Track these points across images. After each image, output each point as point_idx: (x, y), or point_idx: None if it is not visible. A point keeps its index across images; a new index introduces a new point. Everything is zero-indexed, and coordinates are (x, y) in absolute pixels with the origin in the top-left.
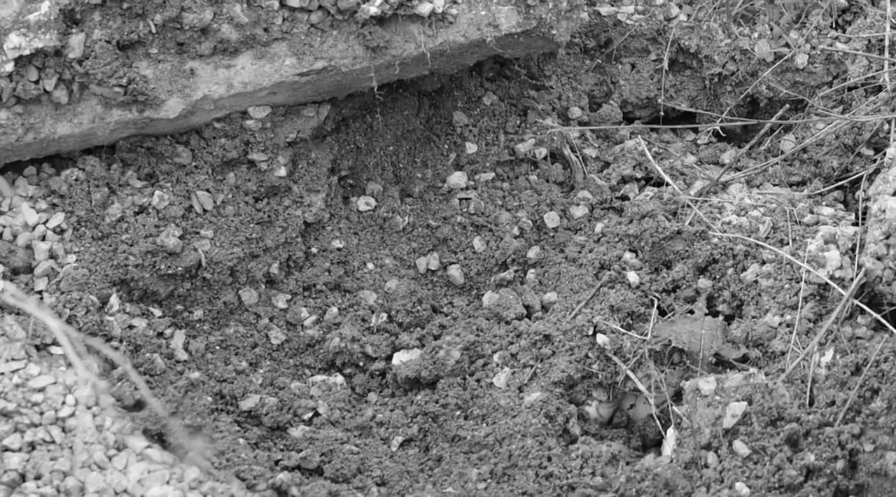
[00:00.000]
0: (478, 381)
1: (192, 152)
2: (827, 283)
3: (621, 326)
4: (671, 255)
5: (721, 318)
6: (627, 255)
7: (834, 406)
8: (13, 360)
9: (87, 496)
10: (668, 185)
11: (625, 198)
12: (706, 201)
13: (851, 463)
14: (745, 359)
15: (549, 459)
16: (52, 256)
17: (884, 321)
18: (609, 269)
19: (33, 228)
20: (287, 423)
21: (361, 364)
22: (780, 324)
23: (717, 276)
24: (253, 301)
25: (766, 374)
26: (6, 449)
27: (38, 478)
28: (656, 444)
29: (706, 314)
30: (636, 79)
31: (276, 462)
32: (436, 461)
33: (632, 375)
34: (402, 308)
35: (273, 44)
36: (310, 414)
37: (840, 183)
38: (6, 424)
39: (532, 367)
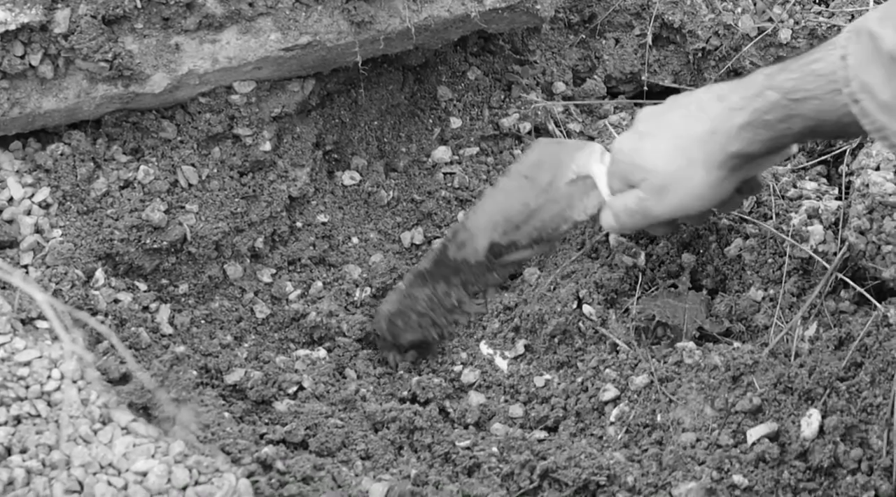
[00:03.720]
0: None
1: (178, 127)
2: (810, 258)
3: (605, 300)
4: None
5: (704, 292)
6: None
7: None
8: None
9: (72, 470)
10: None
11: None
12: None
13: None
14: (728, 333)
15: None
16: (38, 231)
17: (867, 295)
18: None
19: (19, 203)
20: (272, 397)
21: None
22: (764, 298)
23: (701, 251)
24: (238, 275)
25: (750, 349)
26: None
27: (23, 451)
28: None
29: (689, 289)
30: (620, 54)
31: (261, 436)
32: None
33: (619, 341)
34: (382, 284)
35: (258, 19)
36: (294, 388)
37: (823, 157)
38: None
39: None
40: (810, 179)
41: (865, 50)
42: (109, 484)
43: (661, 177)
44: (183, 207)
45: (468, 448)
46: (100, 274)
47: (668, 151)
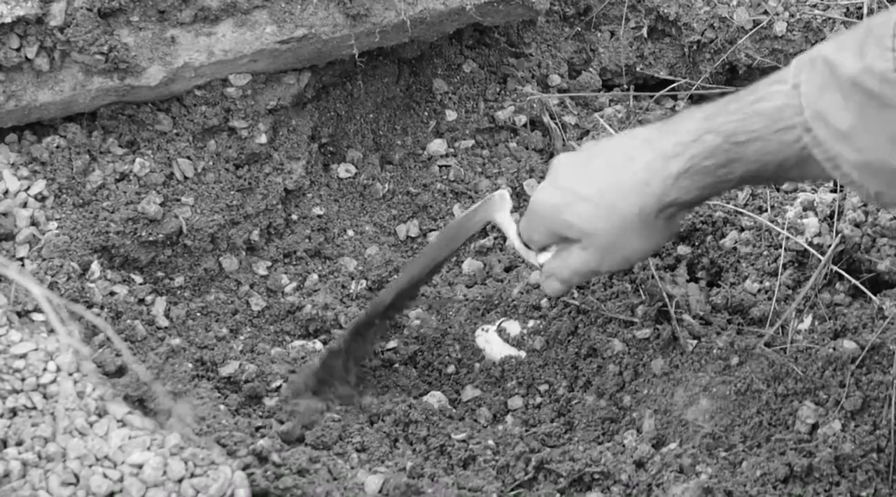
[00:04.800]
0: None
1: (173, 120)
2: (806, 250)
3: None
4: None
5: (703, 283)
6: None
7: None
8: None
9: (68, 462)
10: None
11: None
12: None
13: None
14: (728, 324)
15: None
16: (34, 223)
17: (862, 287)
18: None
19: (15, 195)
20: (267, 390)
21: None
22: (759, 290)
23: (696, 243)
24: (233, 268)
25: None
26: None
27: (19, 444)
28: None
29: (687, 281)
30: (615, 46)
31: (257, 428)
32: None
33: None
34: (377, 277)
35: (254, 11)
36: None
37: None
38: None
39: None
40: None
41: (821, 76)
42: (105, 476)
43: (603, 237)
44: (179, 200)
45: (464, 441)
46: (95, 266)
47: (601, 210)
